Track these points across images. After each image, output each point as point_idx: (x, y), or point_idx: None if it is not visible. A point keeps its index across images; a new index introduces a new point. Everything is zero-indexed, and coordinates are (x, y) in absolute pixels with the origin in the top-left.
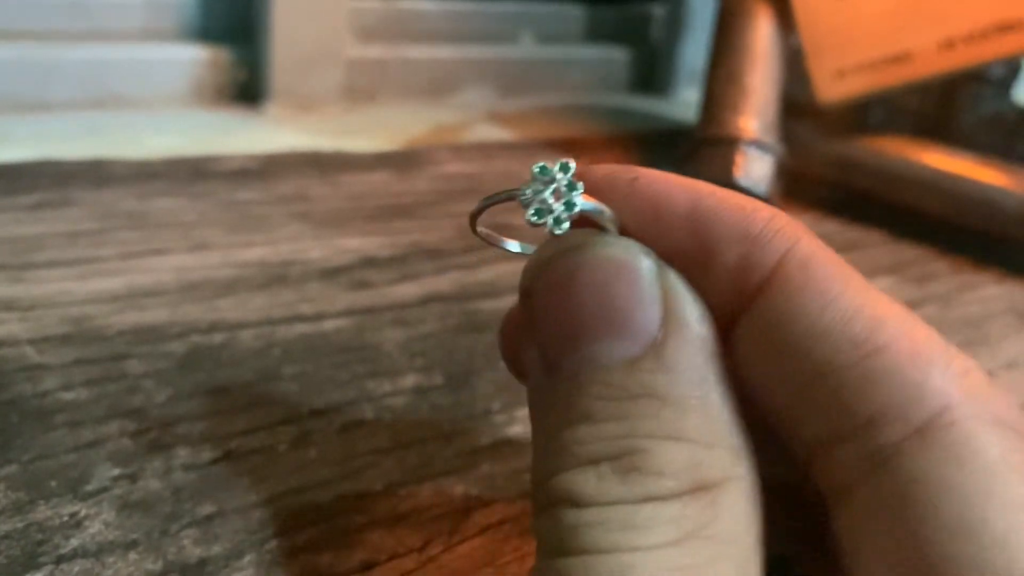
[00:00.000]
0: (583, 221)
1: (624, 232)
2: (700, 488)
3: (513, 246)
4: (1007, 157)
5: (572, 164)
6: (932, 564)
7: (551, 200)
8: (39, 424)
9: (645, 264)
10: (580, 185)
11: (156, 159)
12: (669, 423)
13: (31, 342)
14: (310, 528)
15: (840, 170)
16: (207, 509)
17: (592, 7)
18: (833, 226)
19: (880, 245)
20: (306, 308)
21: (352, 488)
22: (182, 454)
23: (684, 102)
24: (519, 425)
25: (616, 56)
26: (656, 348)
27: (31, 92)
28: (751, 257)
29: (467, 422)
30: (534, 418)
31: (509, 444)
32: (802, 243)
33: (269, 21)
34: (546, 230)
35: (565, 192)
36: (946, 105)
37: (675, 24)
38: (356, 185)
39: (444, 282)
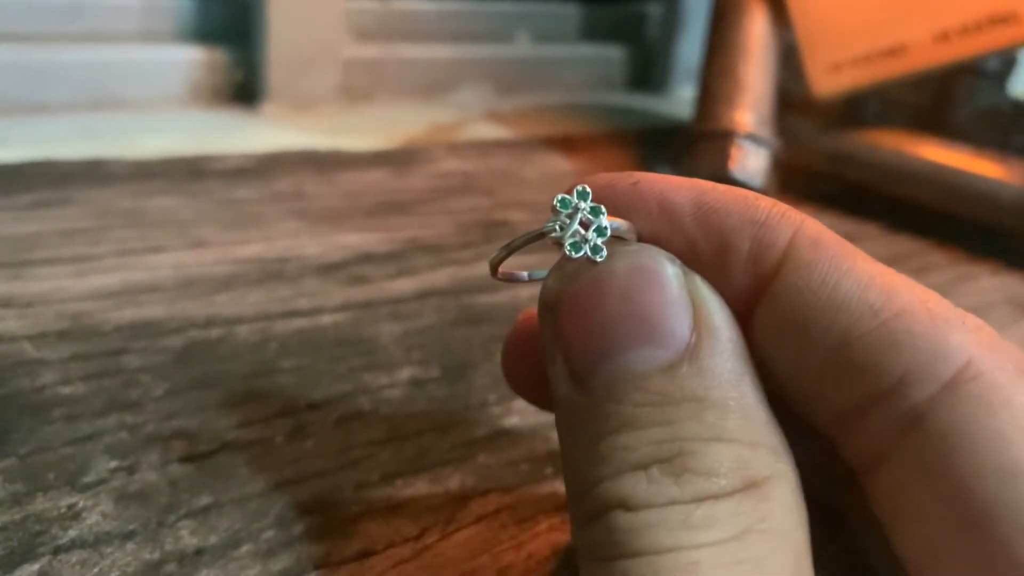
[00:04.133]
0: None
1: (641, 240)
2: (750, 485)
3: (537, 274)
4: (1003, 150)
5: (588, 189)
6: (980, 509)
7: (581, 230)
8: (37, 418)
9: (671, 270)
10: (603, 208)
11: (153, 159)
12: (712, 425)
13: (28, 338)
14: (307, 518)
15: (836, 163)
16: (204, 500)
17: (588, 5)
18: (830, 219)
19: (877, 237)
20: (303, 303)
21: (349, 479)
22: (179, 446)
23: (681, 99)
24: (515, 416)
25: (612, 54)
26: (691, 353)
27: (29, 94)
28: (763, 241)
29: (464, 414)
30: (565, 433)
31: (505, 435)
32: (807, 224)
33: (265, 22)
34: (585, 259)
35: (592, 219)
36: (942, 98)
37: (670, 22)
38: (353, 183)
39: (441, 277)
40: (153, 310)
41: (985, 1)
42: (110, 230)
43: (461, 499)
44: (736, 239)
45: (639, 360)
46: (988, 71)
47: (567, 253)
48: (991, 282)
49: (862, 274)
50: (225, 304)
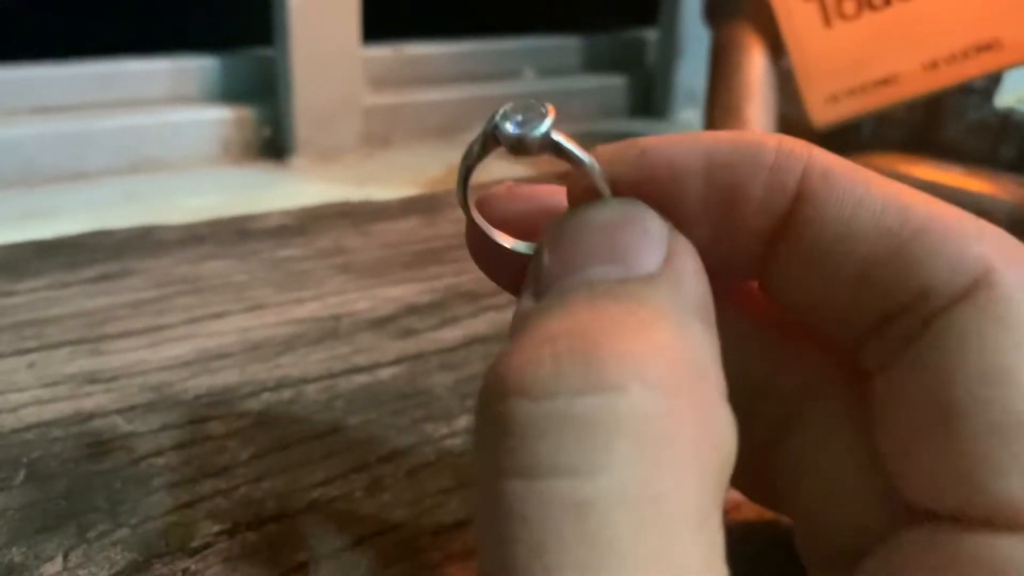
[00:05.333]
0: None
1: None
2: (664, 389)
3: (517, 244)
4: (993, 161)
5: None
6: (956, 407)
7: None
8: (140, 489)
9: (658, 220)
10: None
11: (201, 221)
12: (644, 320)
13: (119, 412)
14: (394, 567)
15: None
16: (301, 556)
17: (588, 37)
18: None
19: None
20: (361, 359)
21: (426, 527)
22: (271, 507)
23: (683, 123)
24: None
25: (614, 83)
26: (646, 279)
27: (71, 163)
28: (774, 185)
29: None
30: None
31: None
32: (816, 157)
33: (289, 78)
34: (527, 136)
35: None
36: (934, 114)
37: (669, 48)
38: (388, 234)
39: (481, 324)
40: (227, 376)
41: (970, 31)
42: (173, 298)
43: None
44: (748, 189)
45: (598, 272)
46: (976, 87)
47: (504, 130)
48: None
49: (876, 199)
50: (291, 365)
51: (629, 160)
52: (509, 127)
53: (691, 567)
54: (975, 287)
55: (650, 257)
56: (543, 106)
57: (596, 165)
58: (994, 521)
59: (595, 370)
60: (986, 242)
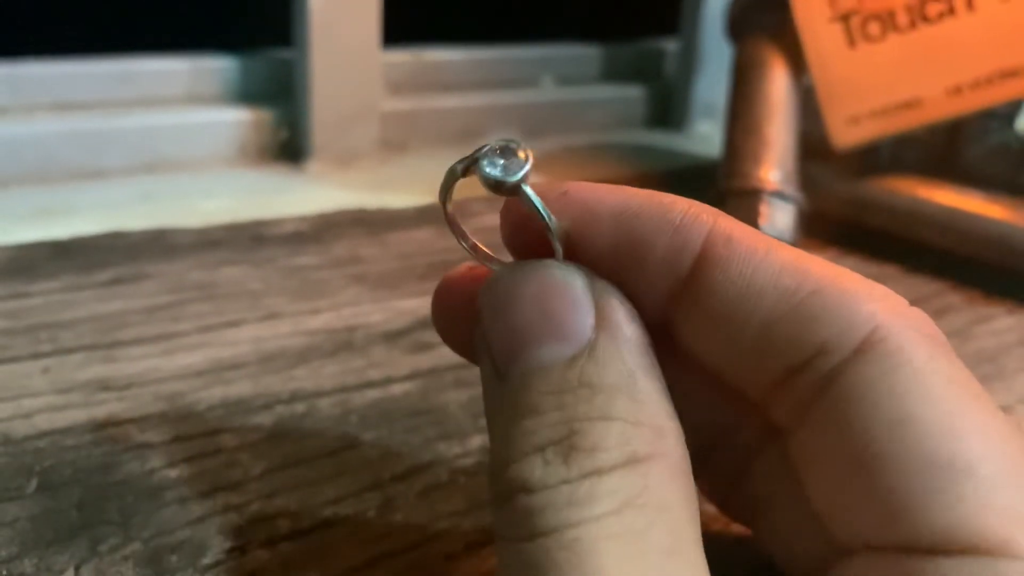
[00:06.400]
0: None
1: (570, 241)
2: (632, 461)
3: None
4: (1012, 186)
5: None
6: (874, 455)
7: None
8: (152, 502)
9: (578, 278)
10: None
11: (215, 225)
12: (600, 406)
13: (132, 421)
14: None
15: (855, 208)
16: None
17: (607, 47)
18: (851, 263)
19: (897, 280)
20: (374, 373)
21: (438, 550)
22: (283, 525)
23: (700, 136)
24: None
25: (632, 94)
26: (590, 347)
27: (88, 160)
28: (677, 243)
29: None
30: (489, 418)
31: None
32: (720, 223)
33: (308, 81)
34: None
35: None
36: (954, 138)
37: (688, 59)
38: (403, 244)
39: None
40: (240, 387)
41: (995, 57)
42: (187, 305)
43: None
44: (653, 241)
45: (546, 354)
46: (997, 112)
47: (483, 171)
48: (1007, 322)
49: (775, 262)
50: (304, 378)
51: (552, 198)
52: (489, 168)
53: None
54: (868, 342)
55: (583, 323)
56: (525, 152)
57: (556, 224)
58: (933, 550)
59: (575, 467)
60: (875, 300)
